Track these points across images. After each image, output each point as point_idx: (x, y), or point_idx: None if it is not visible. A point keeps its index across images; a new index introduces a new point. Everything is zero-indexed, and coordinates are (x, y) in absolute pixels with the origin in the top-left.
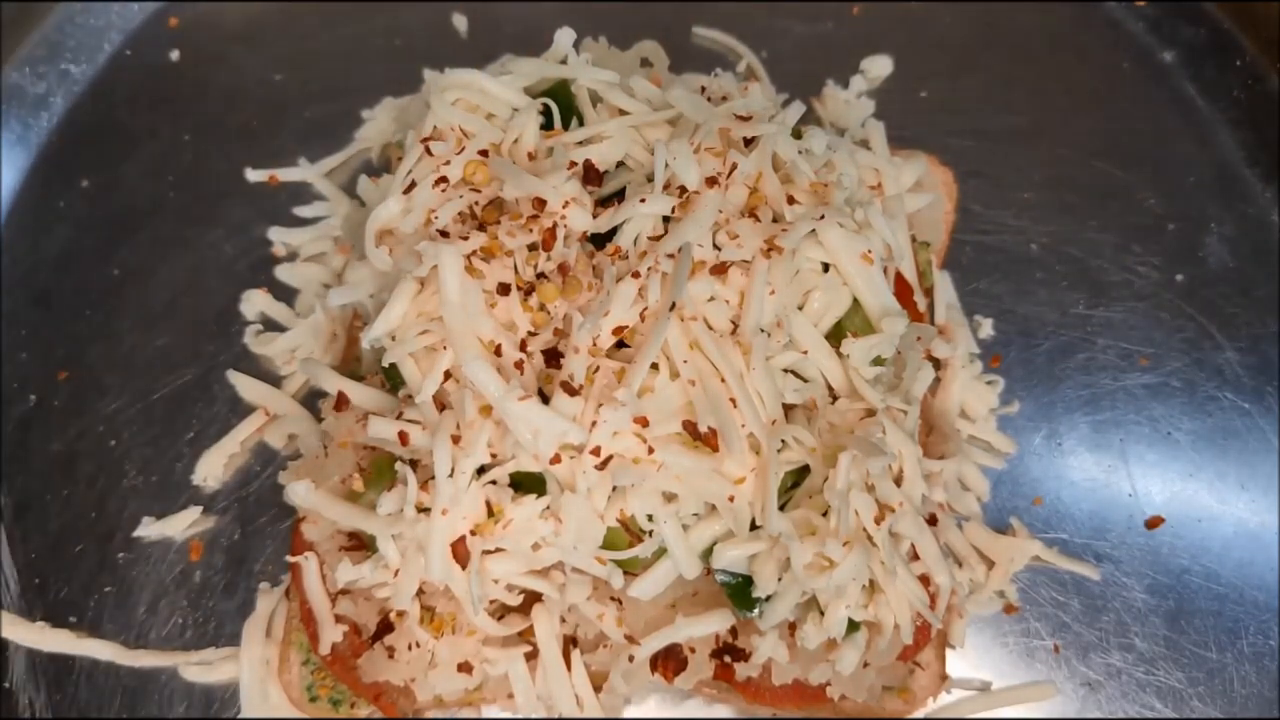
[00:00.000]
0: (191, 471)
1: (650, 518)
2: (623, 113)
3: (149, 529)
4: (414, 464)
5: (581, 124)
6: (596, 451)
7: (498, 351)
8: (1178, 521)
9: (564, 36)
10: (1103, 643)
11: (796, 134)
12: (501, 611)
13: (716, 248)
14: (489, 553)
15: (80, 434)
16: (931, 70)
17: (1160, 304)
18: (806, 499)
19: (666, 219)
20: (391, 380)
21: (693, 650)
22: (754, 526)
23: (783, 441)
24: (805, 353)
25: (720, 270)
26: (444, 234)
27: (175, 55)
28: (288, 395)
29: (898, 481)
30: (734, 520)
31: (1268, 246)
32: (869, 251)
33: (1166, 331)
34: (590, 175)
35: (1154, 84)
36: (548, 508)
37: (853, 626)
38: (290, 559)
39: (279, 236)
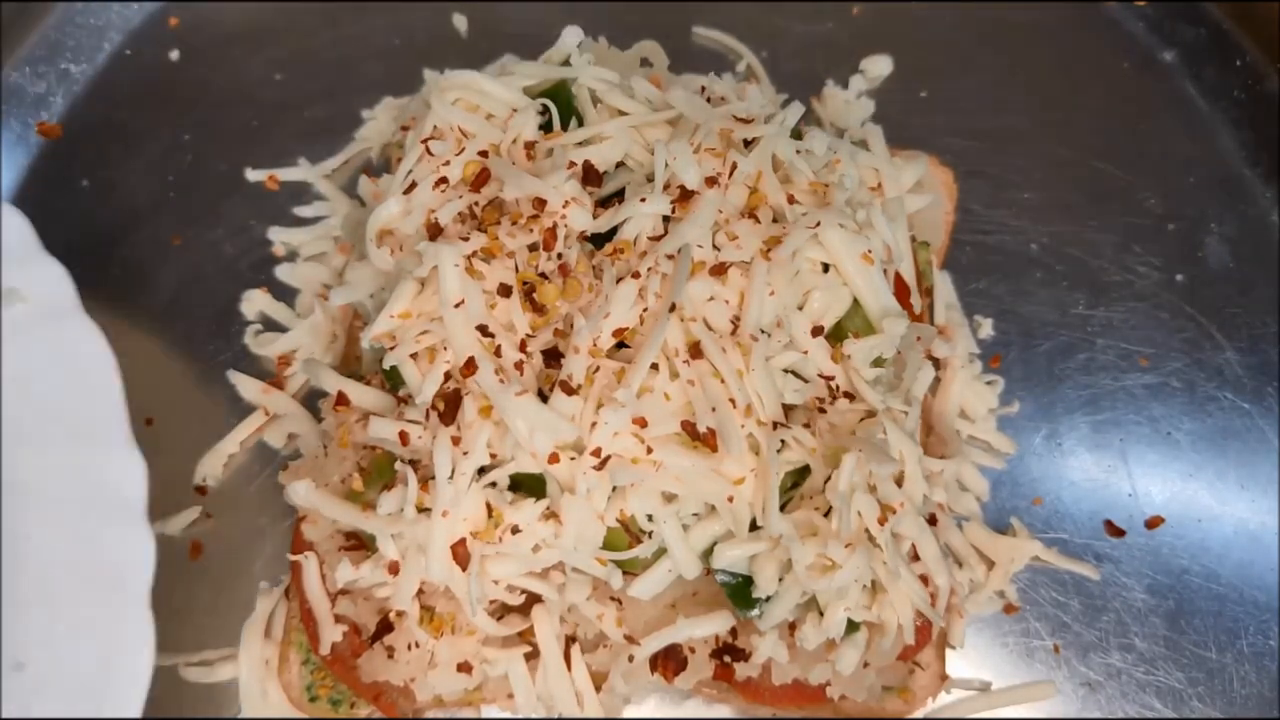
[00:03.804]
0: (191, 471)
1: (650, 518)
2: (622, 113)
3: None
4: (414, 464)
5: (581, 124)
6: (597, 452)
7: (498, 352)
8: (1178, 521)
9: (570, 35)
10: (1103, 643)
11: (797, 134)
12: (501, 611)
13: (716, 248)
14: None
15: None
16: (931, 70)
17: (1160, 304)
18: (807, 499)
19: (666, 219)
20: (391, 380)
21: (693, 650)
22: (754, 526)
23: (782, 442)
24: (805, 353)
25: (720, 270)
26: (443, 233)
27: (175, 55)
28: (288, 395)
29: (898, 482)
30: (734, 521)
31: (1268, 246)
32: (869, 252)
33: (1166, 331)
34: (590, 175)
35: (1154, 84)
36: (548, 508)
37: (852, 626)
38: (291, 558)
39: (279, 236)
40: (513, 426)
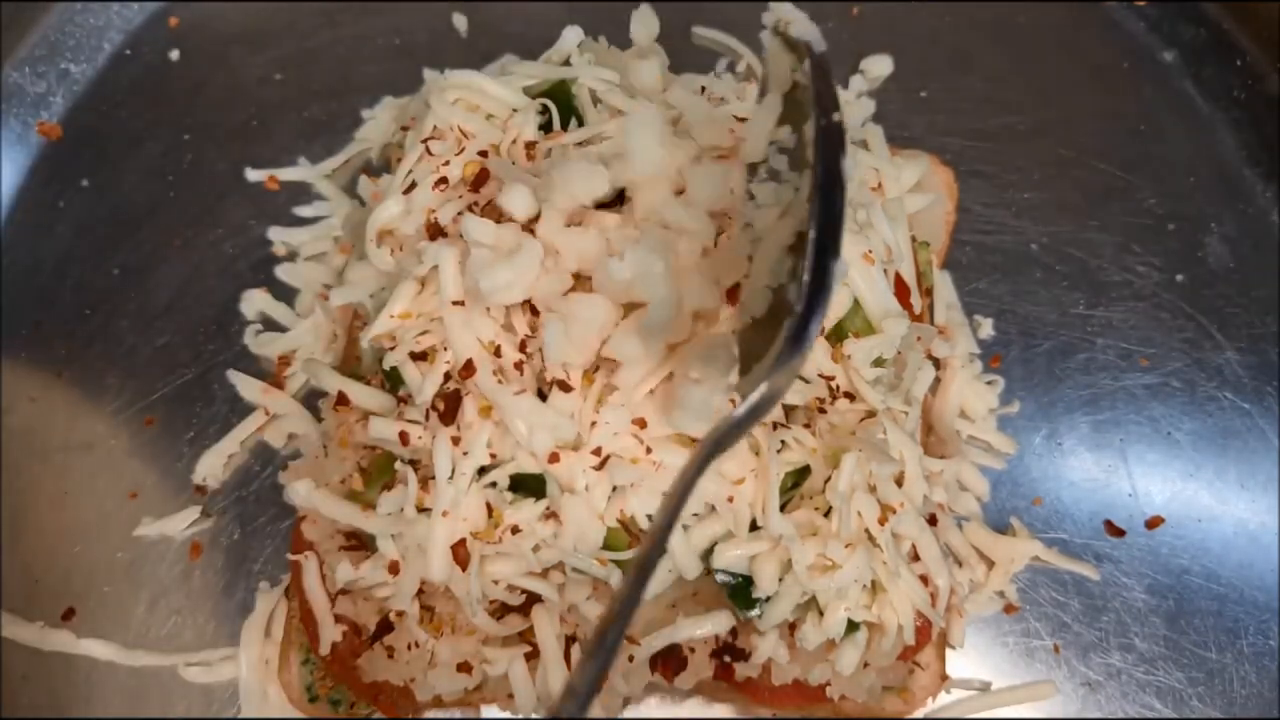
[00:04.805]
0: (191, 471)
1: (650, 518)
2: (622, 113)
3: (149, 529)
4: (414, 464)
5: (581, 124)
6: (597, 451)
7: (497, 352)
8: (1178, 521)
9: (571, 35)
10: (1103, 643)
11: None
12: (501, 611)
13: None
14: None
15: (80, 434)
16: (931, 70)
17: (1160, 304)
18: (807, 499)
19: None
20: (391, 380)
21: (693, 650)
22: (754, 526)
23: (782, 442)
24: None
25: None
26: (444, 234)
27: (175, 55)
28: (288, 395)
29: (898, 482)
30: (734, 521)
31: (1268, 246)
32: (869, 252)
33: (1166, 331)
34: None
35: (1154, 84)
36: (548, 508)
37: (852, 626)
38: (291, 558)
39: (279, 236)
40: (512, 426)
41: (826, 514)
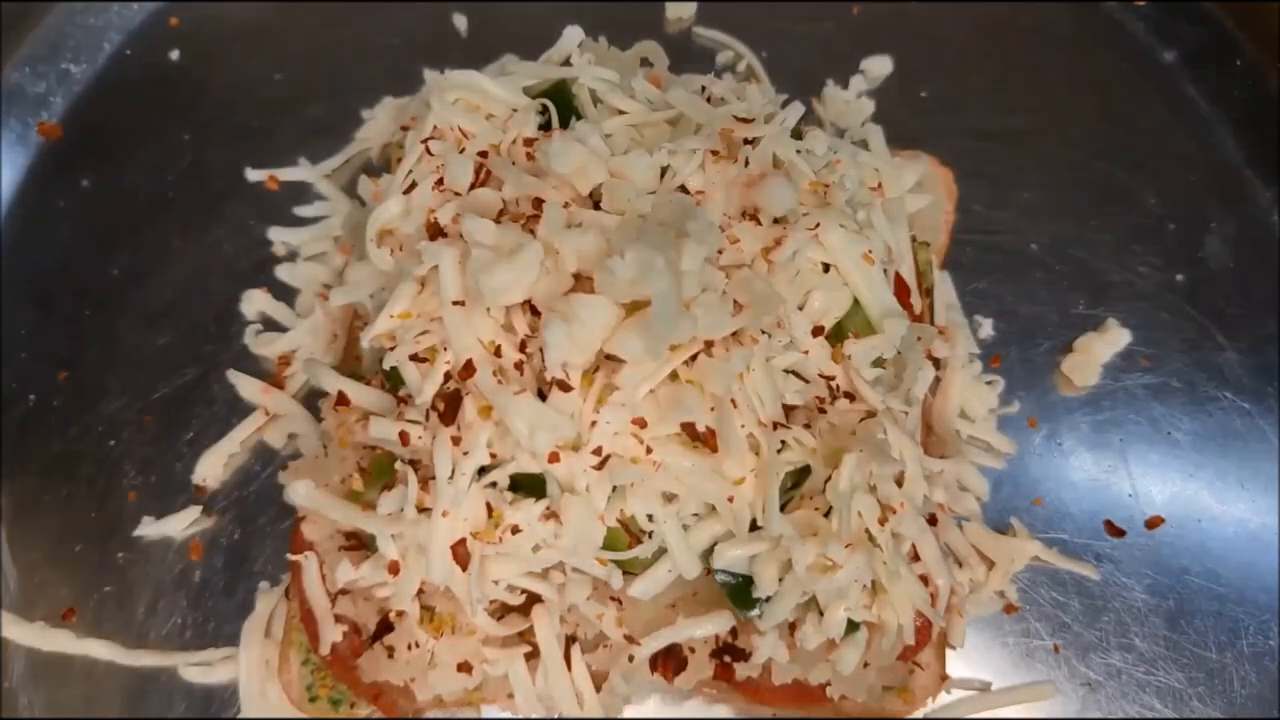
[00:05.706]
0: (191, 471)
1: (650, 518)
2: (622, 113)
3: (149, 529)
4: (414, 464)
5: None
6: (597, 451)
7: (497, 352)
8: (1178, 521)
9: (570, 35)
10: (1103, 643)
11: (797, 134)
12: (501, 611)
13: (719, 251)
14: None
15: (80, 434)
16: (931, 70)
17: (1160, 304)
18: (807, 499)
19: None
20: (391, 380)
21: (693, 650)
22: (754, 526)
23: (782, 442)
24: (806, 353)
25: None
26: (444, 234)
27: (175, 55)
28: (288, 395)
29: (898, 482)
30: (734, 521)
31: (1268, 246)
32: (869, 252)
33: (1166, 331)
34: None
35: (1154, 84)
36: (548, 508)
37: (852, 626)
38: (290, 558)
39: (279, 236)
40: (512, 426)
41: (826, 514)
